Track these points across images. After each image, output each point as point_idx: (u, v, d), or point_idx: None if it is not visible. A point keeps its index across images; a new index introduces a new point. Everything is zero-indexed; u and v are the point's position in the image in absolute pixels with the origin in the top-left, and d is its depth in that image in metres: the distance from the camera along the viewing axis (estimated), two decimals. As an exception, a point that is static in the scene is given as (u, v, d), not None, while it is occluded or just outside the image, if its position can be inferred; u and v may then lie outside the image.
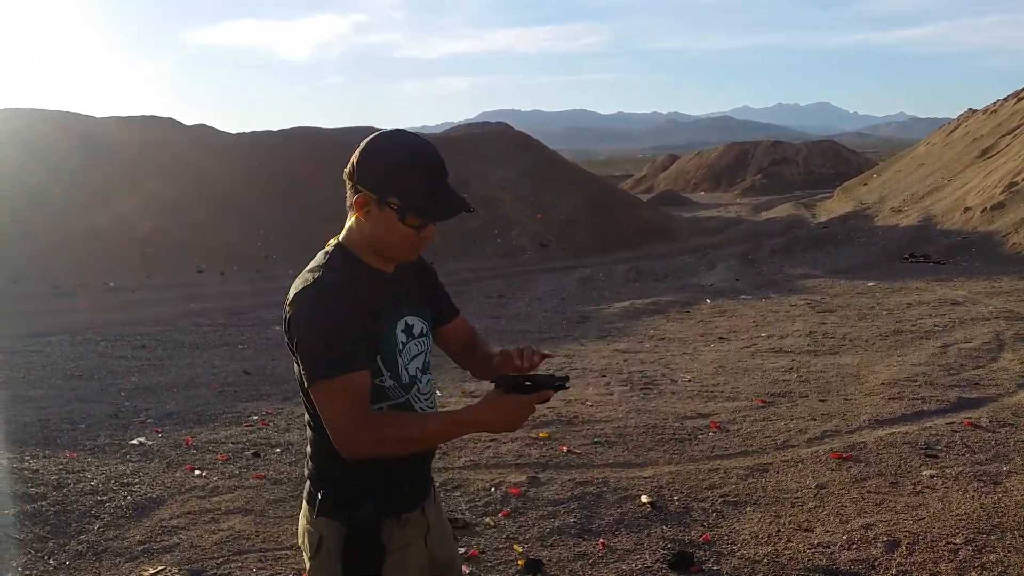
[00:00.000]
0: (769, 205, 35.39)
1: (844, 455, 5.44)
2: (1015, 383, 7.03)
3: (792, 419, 6.31)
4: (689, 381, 7.60)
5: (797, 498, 4.82)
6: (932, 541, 4.13)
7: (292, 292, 1.90)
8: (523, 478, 5.19)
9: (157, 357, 9.44)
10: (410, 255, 2.01)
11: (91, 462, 5.63)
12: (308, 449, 2.07)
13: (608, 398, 7.09)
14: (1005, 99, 31.70)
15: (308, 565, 2.05)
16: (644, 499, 4.87)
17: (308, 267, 1.96)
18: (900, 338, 9.03)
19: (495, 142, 25.85)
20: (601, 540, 4.31)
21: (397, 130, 1.96)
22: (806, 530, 4.39)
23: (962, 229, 18.20)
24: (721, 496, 4.90)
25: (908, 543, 4.13)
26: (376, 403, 1.92)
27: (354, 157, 1.92)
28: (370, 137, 1.95)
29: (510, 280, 14.94)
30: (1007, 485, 4.81)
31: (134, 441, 6.08)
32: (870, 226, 21.61)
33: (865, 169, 51.49)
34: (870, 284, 13.21)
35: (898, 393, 6.83)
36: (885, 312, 10.57)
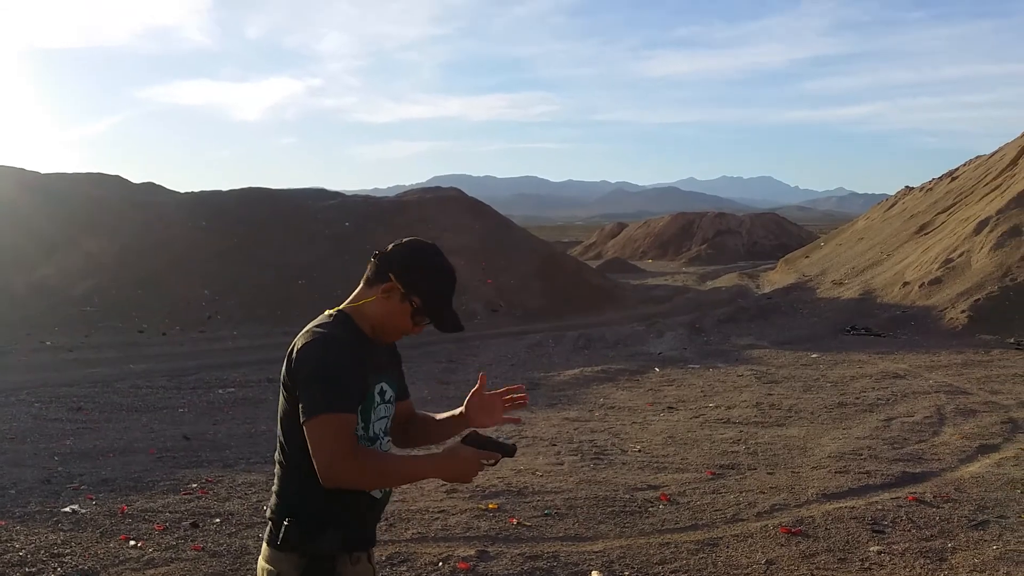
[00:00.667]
0: (714, 275, 36.07)
1: (793, 530, 5.45)
2: (956, 458, 7.16)
3: (741, 492, 6.32)
4: (639, 451, 7.57)
5: (747, 575, 4.79)
6: (882, 620, 4.12)
7: (302, 340, 2.19)
8: (472, 552, 5.08)
9: (93, 420, 9.12)
10: (396, 339, 2.36)
11: (20, 531, 5.36)
12: (276, 488, 2.28)
13: (558, 468, 7.02)
14: (940, 178, 33.06)
15: None
16: (595, 575, 4.80)
17: (315, 324, 2.25)
18: (844, 410, 9.16)
19: (448, 207, 25.98)
20: (551, 618, 4.22)
21: (435, 246, 2.34)
22: (757, 608, 4.35)
23: (901, 303, 18.71)
24: (672, 572, 4.85)
25: (858, 622, 4.11)
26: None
27: (398, 251, 2.29)
28: (415, 241, 2.34)
29: (460, 345, 14.85)
30: (952, 562, 4.85)
31: (66, 509, 5.82)
32: (813, 298, 22.10)
33: (806, 241, 53.04)
34: (814, 356, 13.44)
35: (844, 467, 6.90)
36: (829, 384, 10.74)
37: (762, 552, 5.12)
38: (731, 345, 15.12)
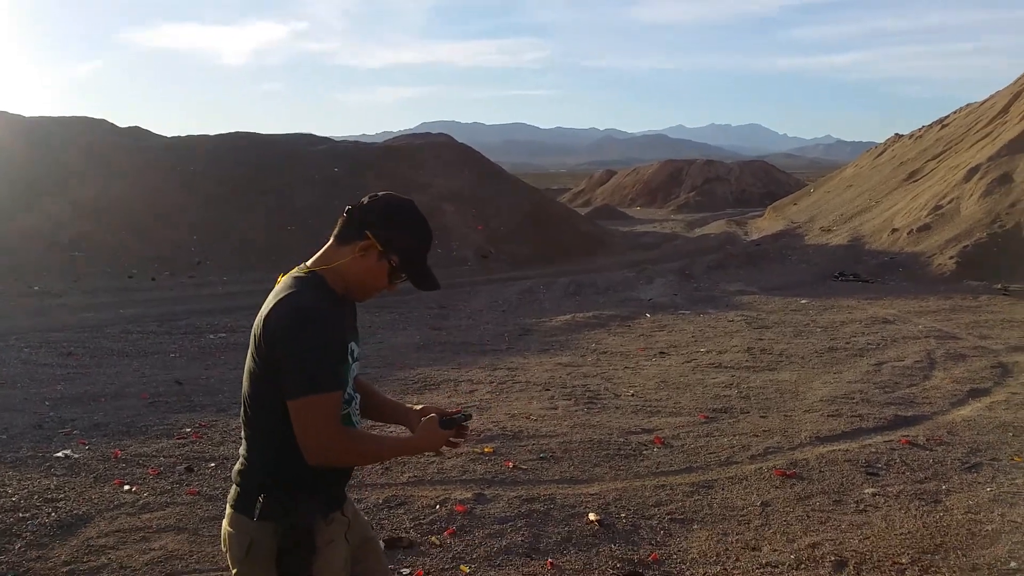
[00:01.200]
0: (703, 222, 36.03)
1: (787, 472, 5.48)
2: (947, 401, 7.21)
3: (735, 435, 6.35)
4: (632, 396, 7.59)
5: (743, 516, 4.83)
6: (878, 561, 4.16)
7: (279, 309, 2.08)
8: (469, 495, 5.10)
9: (84, 365, 9.05)
10: (369, 298, 2.28)
11: (12, 476, 5.33)
12: (244, 451, 2.21)
13: (552, 412, 7.03)
14: (930, 125, 32.92)
15: (234, 570, 2.17)
16: (592, 517, 4.82)
17: (287, 289, 2.14)
18: (835, 355, 9.20)
19: (438, 153, 25.70)
20: (550, 560, 4.24)
21: (411, 201, 2.25)
22: (753, 549, 4.38)
23: (889, 249, 18.74)
24: (668, 514, 4.87)
25: (855, 563, 4.15)
26: None
27: (374, 207, 2.19)
28: (391, 196, 2.24)
29: (451, 291, 14.79)
30: (947, 504, 4.89)
31: (59, 454, 5.78)
32: (801, 244, 22.11)
33: (794, 189, 53.00)
34: (803, 301, 13.47)
35: (836, 410, 6.94)
36: (819, 329, 10.77)
37: (757, 494, 5.15)
38: (721, 291, 15.14)
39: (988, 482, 5.23)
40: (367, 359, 9.14)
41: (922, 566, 4.08)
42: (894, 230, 19.78)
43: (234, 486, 2.21)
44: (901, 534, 4.48)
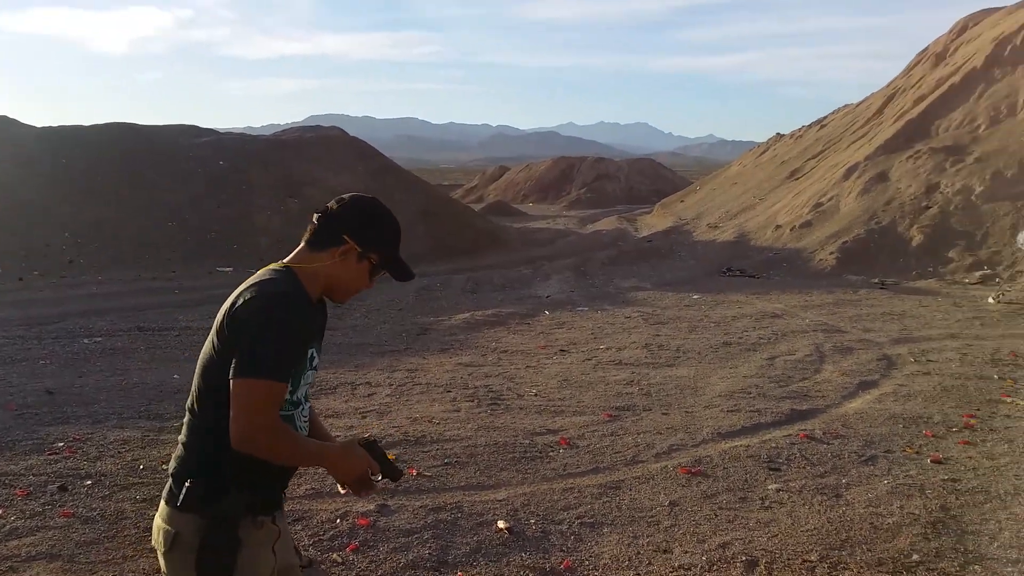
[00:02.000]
0: (594, 218, 36.50)
1: (693, 470, 5.48)
2: (839, 394, 7.41)
3: (639, 433, 6.32)
4: (535, 395, 7.49)
5: (652, 517, 4.77)
6: (788, 559, 4.17)
7: (251, 293, 2.08)
8: (371, 507, 4.86)
9: (-60, 374, 8.28)
10: (348, 299, 2.31)
11: None
12: (183, 439, 2.18)
13: (455, 415, 6.85)
14: (809, 126, 34.32)
15: (162, 563, 2.15)
16: (501, 524, 4.67)
17: (263, 278, 2.14)
18: (730, 350, 9.36)
19: (330, 146, 25.04)
20: (459, 573, 4.06)
21: (376, 199, 2.29)
22: (665, 551, 4.33)
23: (774, 245, 19.38)
24: (578, 517, 4.77)
25: (766, 562, 4.14)
26: None
27: (349, 210, 2.22)
28: (360, 198, 2.27)
29: (344, 290, 14.42)
30: (848, 498, 4.97)
31: (-90, 476, 5.22)
32: (690, 241, 22.63)
33: (681, 186, 54.50)
34: (696, 297, 13.72)
35: (735, 405, 7.02)
36: (713, 324, 10.97)
37: (664, 493, 5.11)
38: (616, 287, 15.27)
39: (884, 474, 5.35)
40: (258, 362, 8.72)
41: (831, 563, 4.11)
42: (778, 227, 20.47)
43: (169, 479, 2.17)
44: (807, 530, 4.51)
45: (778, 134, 37.83)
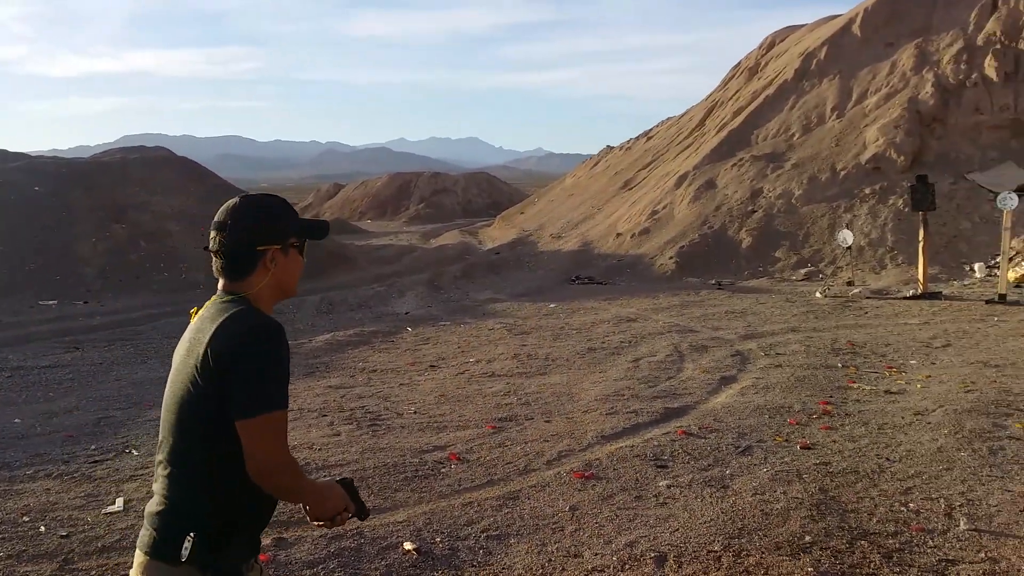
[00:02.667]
0: (436, 233, 36.61)
1: (585, 474, 5.59)
2: (704, 391, 7.78)
3: (526, 442, 6.38)
4: (415, 413, 7.40)
5: (556, 523, 4.83)
6: (694, 552, 4.33)
7: (230, 328, 2.01)
8: (267, 541, 4.64)
9: None
10: (296, 287, 2.31)
11: None
12: (165, 492, 2.07)
13: (336, 439, 6.66)
14: (637, 138, 35.92)
15: None
16: (408, 546, 4.58)
17: (227, 310, 2.07)
18: (595, 355, 9.63)
19: (156, 168, 23.75)
20: (377, 599, 3.95)
21: (244, 198, 2.19)
22: (575, 556, 4.39)
23: (616, 252, 20.12)
24: (483, 531, 4.76)
25: (674, 556, 4.29)
26: None
27: (240, 227, 2.12)
28: (242, 205, 2.16)
29: (188, 318, 13.69)
30: (735, 488, 5.23)
31: None
32: (536, 251, 23.10)
33: (516, 199, 55.65)
34: (552, 306, 14.03)
35: (612, 408, 7.23)
36: (574, 331, 11.24)
37: (563, 499, 5.19)
38: (473, 300, 15.36)
39: (762, 463, 5.67)
40: (109, 400, 8.16)
41: (734, 551, 4.31)
42: (618, 234, 21.27)
43: (149, 531, 2.06)
44: (705, 522, 4.71)
45: (608, 146, 39.34)
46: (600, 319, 12.22)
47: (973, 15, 21.55)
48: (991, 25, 20.95)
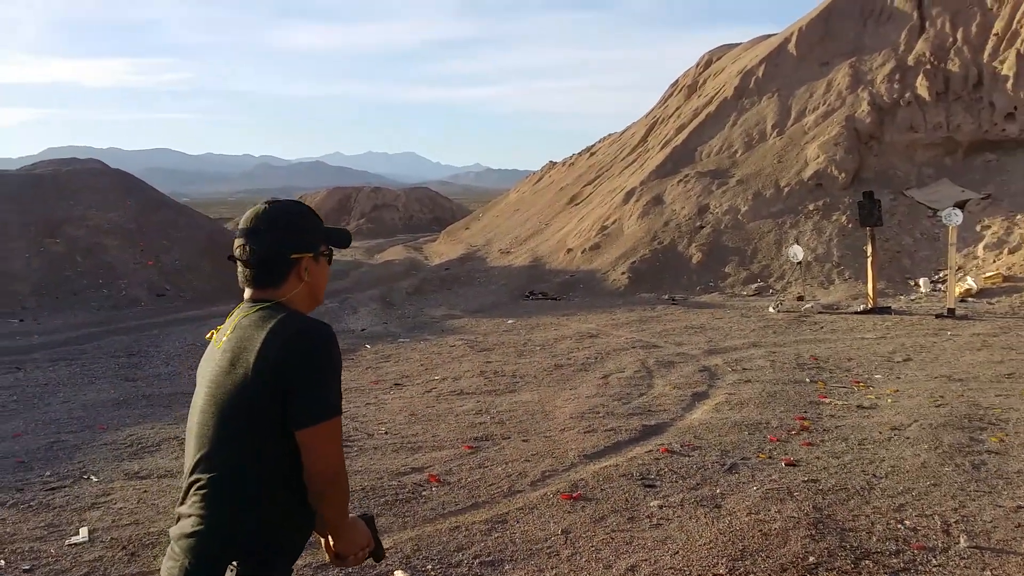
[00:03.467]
0: (380, 248, 36.22)
1: (573, 495, 5.45)
2: (679, 407, 7.72)
3: (506, 463, 6.22)
4: (386, 433, 7.17)
5: (550, 547, 4.68)
6: (699, 575, 4.22)
7: (282, 335, 1.95)
8: (251, 572, 4.38)
9: None
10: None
11: None
12: (203, 512, 1.94)
13: (308, 462, 6.39)
14: (580, 153, 36.13)
15: None
16: (400, 574, 4.38)
17: (272, 317, 2.00)
18: (563, 372, 9.52)
19: (91, 181, 22.91)
20: (378, 634, 3.74)
21: (273, 204, 2.16)
22: (577, 582, 4.25)
23: (568, 268, 20.10)
24: (475, 556, 4.59)
25: (681, 579, 4.17)
26: None
27: (277, 233, 2.07)
28: (274, 212, 2.11)
29: (135, 336, 13.14)
30: (728, 507, 5.15)
31: None
32: (486, 267, 22.95)
33: (458, 214, 55.53)
34: (511, 321, 13.89)
35: (589, 426, 7.11)
36: (538, 348, 11.12)
37: (554, 522, 5.04)
38: (429, 316, 15.13)
39: (750, 481, 5.61)
40: (59, 423, 7.74)
41: (740, 574, 4.21)
42: (569, 250, 21.27)
43: (182, 560, 1.93)
44: (704, 544, 4.61)
45: (551, 162, 39.50)
46: (562, 335, 12.13)
47: (903, 36, 22.22)
48: (920, 46, 21.63)
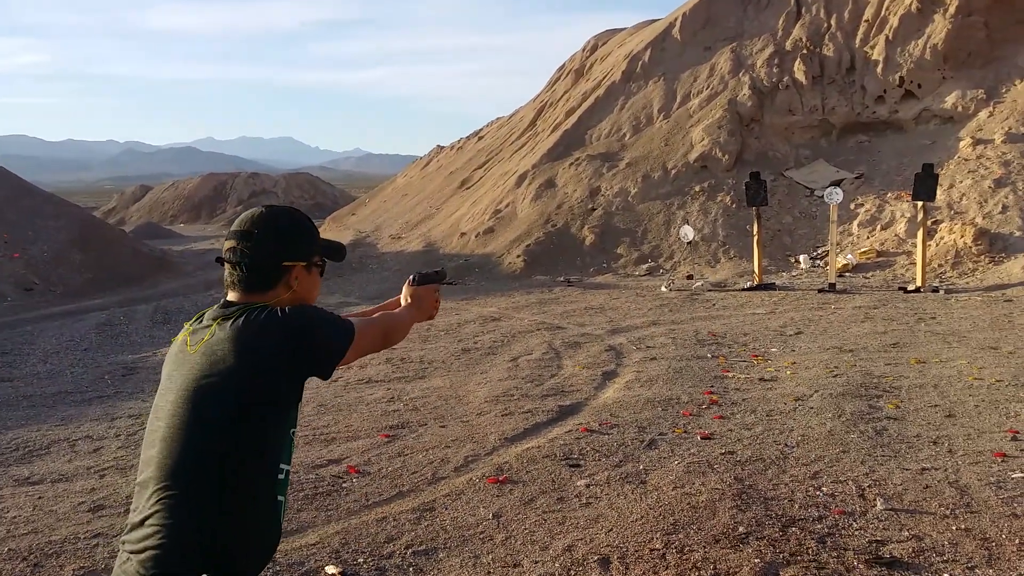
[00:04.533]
0: (263, 236, 35.13)
1: (500, 479, 5.41)
2: (591, 387, 7.79)
3: (426, 450, 6.12)
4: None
5: (483, 532, 4.63)
6: (636, 551, 4.26)
7: (273, 320, 1.95)
8: None
9: None
10: None
11: None
12: (176, 517, 1.84)
13: (217, 459, 6.10)
14: (468, 138, 35.99)
15: None
16: (331, 570, 4.25)
17: (265, 309, 1.99)
18: (471, 356, 9.45)
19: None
20: (319, 633, 3.60)
21: (271, 210, 2.14)
22: (515, 566, 4.22)
23: (462, 252, 20.01)
24: (407, 547, 4.49)
25: (618, 557, 4.20)
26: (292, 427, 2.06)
27: (272, 238, 2.06)
28: (270, 217, 2.10)
29: (4, 333, 12.27)
30: (653, 482, 5.22)
31: None
32: (378, 253, 22.60)
33: (342, 200, 54.59)
34: (408, 307, 13.68)
35: (506, 409, 7.08)
36: (443, 332, 11.01)
37: (483, 507, 4.99)
38: (324, 304, 14.60)
39: (672, 455, 5.71)
40: (-69, 430, 7.12)
41: (676, 547, 4.27)
42: (462, 234, 21.18)
43: (140, 569, 1.82)
44: (636, 520, 4.65)
45: (439, 146, 39.19)
46: (464, 319, 12.05)
47: (781, 21, 23.11)
48: (797, 31, 22.54)
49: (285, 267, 2.07)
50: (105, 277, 19.50)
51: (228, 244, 2.09)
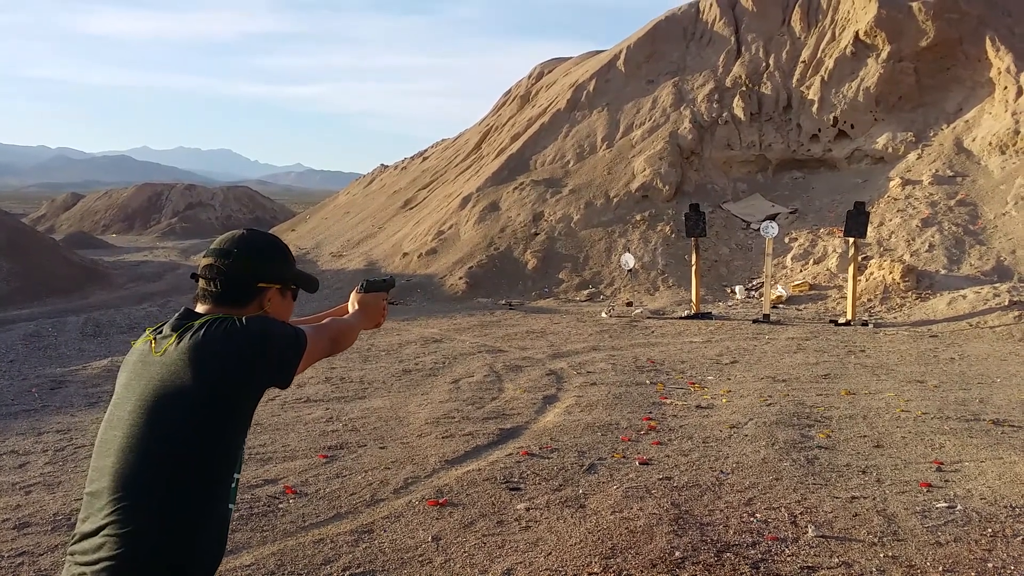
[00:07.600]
0: (195, 249, 34.61)
1: (440, 501, 5.40)
2: (532, 410, 7.83)
3: (365, 471, 6.08)
4: (232, 444, 6.81)
5: (422, 555, 4.62)
6: (575, 575, 4.29)
7: (233, 328, 1.98)
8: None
9: None
10: None
11: None
12: (131, 525, 1.82)
13: (148, 477, 5.96)
14: (412, 158, 35.99)
15: None
16: (267, 592, 4.17)
17: (225, 319, 2.02)
18: (412, 377, 9.41)
19: None
20: (254, 656, 3.54)
21: (251, 232, 2.24)
22: (454, 589, 4.21)
23: (404, 272, 19.93)
24: (344, 569, 4.45)
25: (558, 581, 4.22)
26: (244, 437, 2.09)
27: (250, 258, 2.12)
28: (250, 238, 2.18)
29: (-77, 342, 11.81)
30: (592, 507, 5.27)
31: None
32: (318, 271, 22.36)
33: (281, 215, 53.95)
34: (348, 326, 13.57)
35: (446, 431, 7.07)
36: (383, 353, 10.95)
37: (422, 529, 4.97)
38: (261, 321, 14.52)
39: (611, 480, 5.77)
40: None
41: (615, 571, 4.32)
42: (405, 254, 21.12)
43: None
44: (575, 544, 4.69)
45: (383, 165, 39.10)
46: (405, 340, 12.00)
47: (722, 59, 23.74)
48: (737, 69, 23.19)
49: (260, 288, 2.14)
50: (33, 286, 18.92)
51: (205, 261, 2.14)
